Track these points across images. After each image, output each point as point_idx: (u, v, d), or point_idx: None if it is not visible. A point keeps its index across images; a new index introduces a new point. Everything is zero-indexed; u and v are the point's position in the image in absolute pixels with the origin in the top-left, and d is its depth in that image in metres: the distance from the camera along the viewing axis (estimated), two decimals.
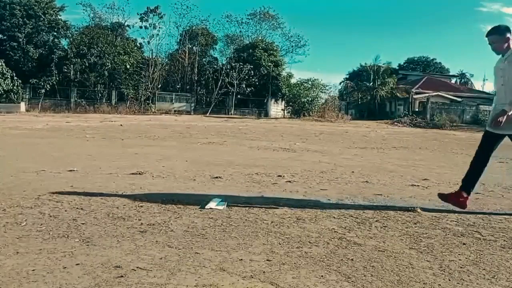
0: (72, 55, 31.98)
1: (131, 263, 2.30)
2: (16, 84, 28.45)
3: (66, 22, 34.70)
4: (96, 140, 10.44)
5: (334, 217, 3.44)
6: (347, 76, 51.56)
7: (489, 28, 3.94)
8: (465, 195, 3.90)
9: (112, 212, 3.32)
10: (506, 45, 3.81)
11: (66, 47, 33.61)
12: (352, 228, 3.15)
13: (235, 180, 5.05)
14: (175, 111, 33.68)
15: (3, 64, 27.80)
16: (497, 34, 3.84)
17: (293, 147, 9.81)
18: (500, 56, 3.90)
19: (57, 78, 31.90)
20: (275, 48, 37.96)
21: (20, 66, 30.81)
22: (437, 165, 7.58)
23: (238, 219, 3.28)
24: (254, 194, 4.23)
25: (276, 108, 37.05)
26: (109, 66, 32.64)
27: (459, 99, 38.82)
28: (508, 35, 3.79)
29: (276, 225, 3.16)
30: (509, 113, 3.69)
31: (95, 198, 3.83)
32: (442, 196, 4.01)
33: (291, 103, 34.66)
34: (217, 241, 2.74)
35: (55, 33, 33.70)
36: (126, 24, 37.51)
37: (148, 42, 36.95)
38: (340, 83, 51.01)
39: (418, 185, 5.15)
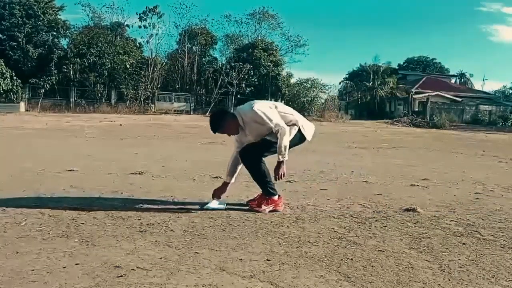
0: (72, 55, 31.91)
1: (131, 263, 2.30)
2: (15, 84, 28.40)
3: (66, 22, 34.63)
4: (96, 140, 10.43)
5: (334, 217, 3.44)
6: (347, 76, 51.47)
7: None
8: (275, 198, 3.59)
9: (112, 212, 3.32)
10: (235, 125, 3.49)
11: (65, 47, 33.55)
12: (352, 228, 3.15)
13: (235, 180, 5.03)
14: (174, 111, 33.61)
15: (3, 64, 27.75)
16: (221, 128, 3.52)
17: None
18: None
19: (57, 78, 31.84)
20: (274, 48, 37.89)
21: (20, 66, 30.75)
22: (437, 165, 7.57)
23: (238, 219, 3.28)
24: (254, 194, 4.22)
25: None
26: (109, 66, 32.57)
27: (458, 99, 38.83)
28: (228, 120, 3.49)
29: (276, 225, 3.16)
30: (285, 159, 3.44)
31: (95, 198, 3.83)
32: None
33: (290, 103, 34.65)
34: (217, 241, 2.74)
35: (54, 33, 33.62)
36: (125, 23, 37.45)
37: (148, 42, 36.93)
38: (340, 83, 50.91)
39: (418, 185, 5.16)
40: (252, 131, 3.53)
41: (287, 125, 3.49)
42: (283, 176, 3.50)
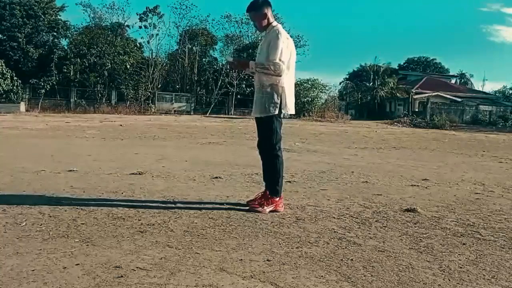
0: (72, 55, 31.98)
1: (131, 263, 2.30)
2: (16, 84, 28.46)
3: (66, 22, 34.73)
4: (96, 140, 10.43)
5: (334, 217, 3.44)
6: (347, 76, 51.57)
7: None
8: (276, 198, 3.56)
9: (112, 212, 3.32)
10: (265, 21, 3.53)
11: (66, 47, 33.63)
12: (352, 228, 3.15)
13: (235, 180, 5.04)
14: (175, 111, 33.65)
15: (3, 64, 27.80)
16: (254, 10, 3.53)
17: (293, 147, 9.81)
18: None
19: (57, 78, 31.89)
20: None
21: (20, 66, 30.82)
22: (437, 165, 7.58)
23: (238, 219, 3.27)
24: (254, 194, 4.22)
25: None
26: (109, 66, 32.64)
27: (459, 99, 38.85)
28: (265, 10, 3.50)
29: (276, 225, 3.16)
30: (249, 70, 3.53)
31: (95, 198, 3.83)
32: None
33: None
34: (217, 241, 2.74)
35: (55, 33, 33.71)
36: (126, 24, 37.52)
37: (148, 42, 37.01)
38: (340, 83, 50.97)
39: (418, 185, 5.16)
40: (261, 48, 3.58)
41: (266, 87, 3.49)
42: (235, 66, 3.72)
